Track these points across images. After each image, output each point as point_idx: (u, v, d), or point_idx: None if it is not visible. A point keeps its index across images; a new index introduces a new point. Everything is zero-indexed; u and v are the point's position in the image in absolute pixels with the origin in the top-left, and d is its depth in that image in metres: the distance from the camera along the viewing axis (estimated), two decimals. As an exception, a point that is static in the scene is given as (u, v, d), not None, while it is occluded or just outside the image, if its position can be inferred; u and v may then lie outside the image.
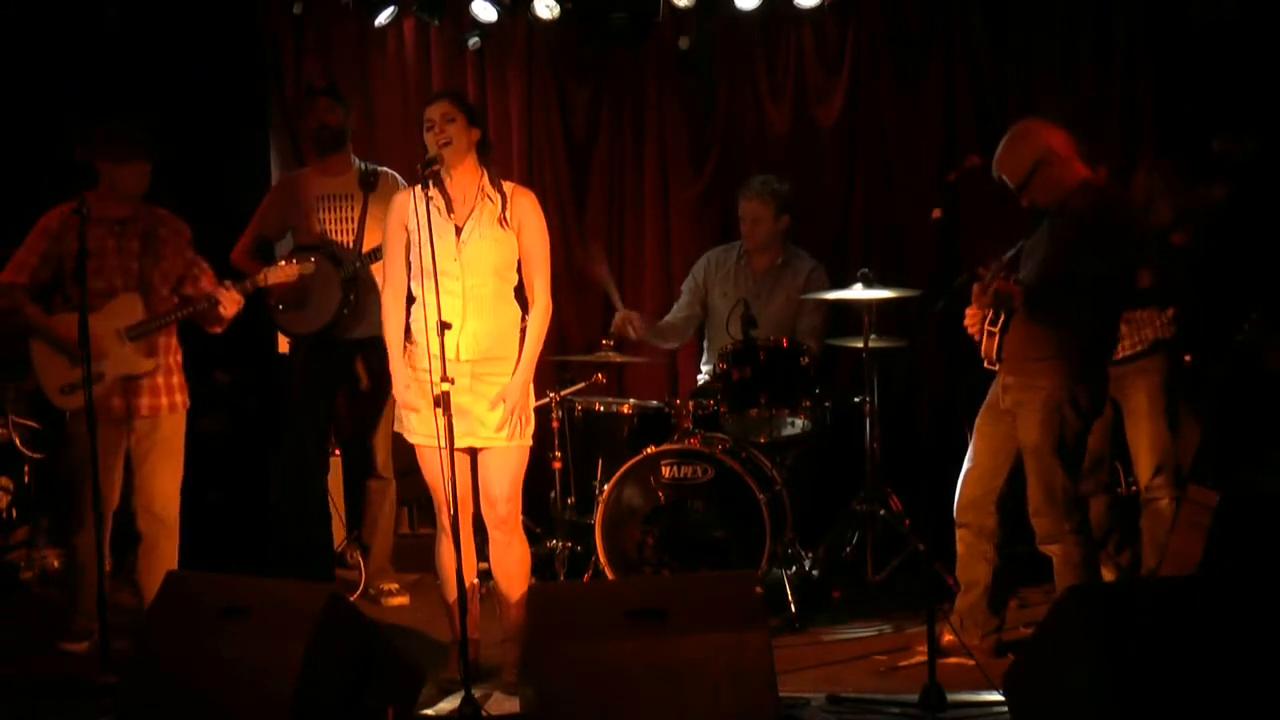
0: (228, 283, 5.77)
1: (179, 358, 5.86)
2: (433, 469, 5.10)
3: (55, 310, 5.71)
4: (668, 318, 6.92)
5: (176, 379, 5.83)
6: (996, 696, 4.73)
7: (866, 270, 6.22)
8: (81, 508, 5.52)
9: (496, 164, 5.23)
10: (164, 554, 5.74)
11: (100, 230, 5.63)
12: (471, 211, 5.07)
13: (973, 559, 5.44)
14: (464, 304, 5.01)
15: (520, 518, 5.26)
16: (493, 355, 5.09)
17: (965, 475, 5.44)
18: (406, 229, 5.09)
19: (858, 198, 7.30)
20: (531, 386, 5.17)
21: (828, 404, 6.35)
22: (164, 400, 5.76)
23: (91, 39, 7.09)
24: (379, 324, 5.24)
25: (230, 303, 5.72)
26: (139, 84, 6.96)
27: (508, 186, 5.14)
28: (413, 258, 5.07)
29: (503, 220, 5.06)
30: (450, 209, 5.06)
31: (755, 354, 6.17)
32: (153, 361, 5.72)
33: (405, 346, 5.15)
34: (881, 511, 6.38)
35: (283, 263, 5.93)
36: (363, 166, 6.48)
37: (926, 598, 5.13)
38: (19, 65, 6.98)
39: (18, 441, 6.71)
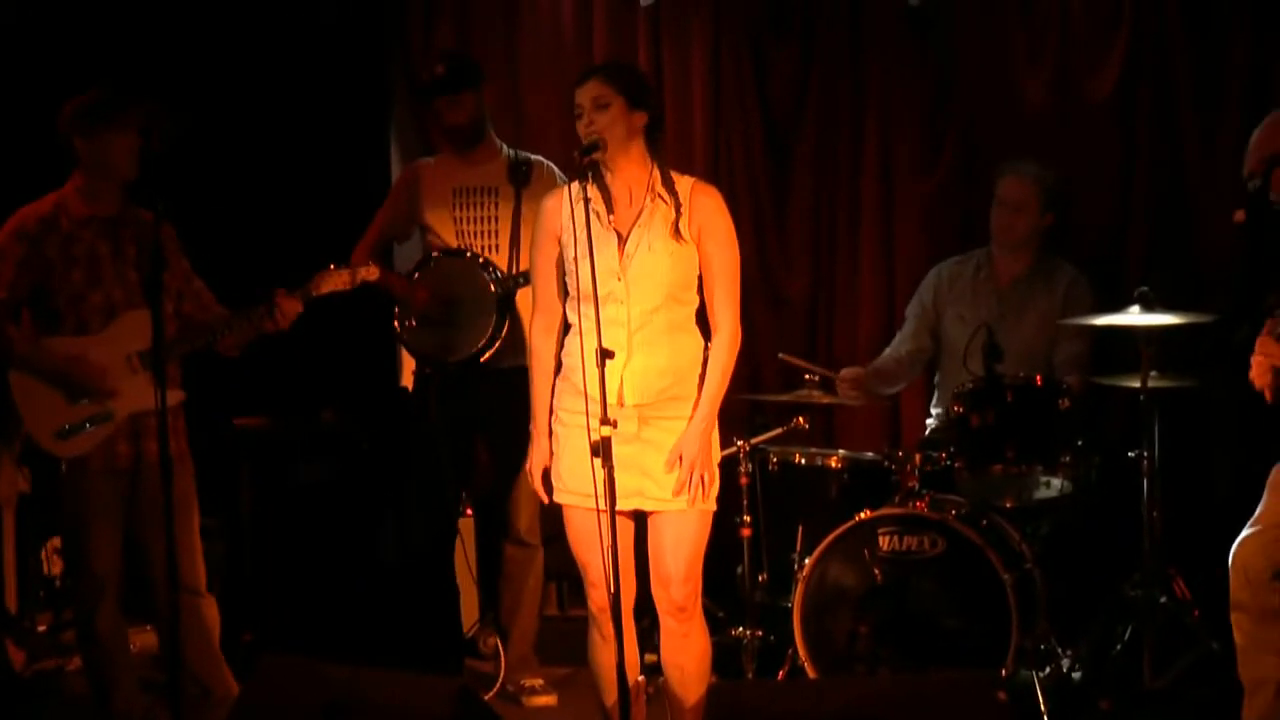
0: (283, 291, 5.76)
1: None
2: (584, 537, 5.09)
3: (42, 334, 5.69)
4: (887, 352, 6.90)
5: (181, 422, 5.85)
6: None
7: (1146, 289, 6.15)
8: (95, 577, 5.70)
9: (673, 153, 5.25)
10: (211, 633, 5.88)
11: (86, 234, 5.70)
12: (639, 216, 5.05)
13: (1255, 651, 5.22)
14: (630, 335, 5.00)
15: (700, 600, 5.25)
16: (668, 396, 5.07)
17: (1242, 542, 5.23)
18: (559, 242, 5.11)
19: (1136, 195, 7.18)
20: (716, 435, 5.17)
21: (1094, 459, 6.30)
22: (173, 446, 5.55)
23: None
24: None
25: (287, 314, 5.75)
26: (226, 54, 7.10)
27: (684, 183, 5.10)
28: (568, 279, 5.07)
29: (678, 227, 5.03)
30: (611, 212, 5.06)
31: (1000, 394, 6.14)
32: (178, 393, 5.75)
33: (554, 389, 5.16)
34: (1163, 598, 6.28)
35: (333, 266, 5.89)
36: (511, 155, 6.56)
37: (1222, 711, 5.06)
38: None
39: None
